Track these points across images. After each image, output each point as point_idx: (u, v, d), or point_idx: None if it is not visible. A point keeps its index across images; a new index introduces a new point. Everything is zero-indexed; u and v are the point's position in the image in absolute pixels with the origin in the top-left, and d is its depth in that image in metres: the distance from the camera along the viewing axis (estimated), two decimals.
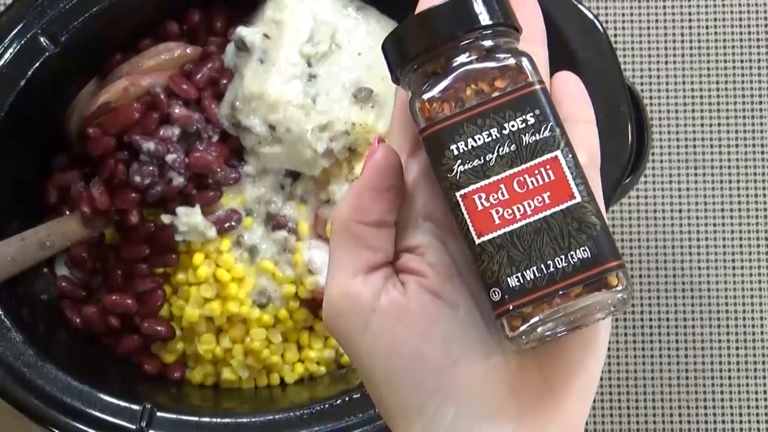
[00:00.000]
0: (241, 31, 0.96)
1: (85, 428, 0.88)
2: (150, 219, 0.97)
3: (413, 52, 0.58)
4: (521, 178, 0.56)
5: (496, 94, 0.56)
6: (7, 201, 0.96)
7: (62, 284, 0.98)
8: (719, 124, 1.09)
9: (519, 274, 0.55)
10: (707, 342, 1.07)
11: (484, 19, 0.57)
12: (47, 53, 0.93)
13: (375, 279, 0.59)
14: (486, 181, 0.56)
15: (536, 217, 0.55)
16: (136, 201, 0.95)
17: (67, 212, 0.98)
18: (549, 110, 0.57)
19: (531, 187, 0.56)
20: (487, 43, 0.58)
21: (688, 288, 1.08)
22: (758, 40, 1.10)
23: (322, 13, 0.97)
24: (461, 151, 0.56)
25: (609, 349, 1.06)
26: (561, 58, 0.90)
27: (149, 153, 0.94)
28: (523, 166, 0.56)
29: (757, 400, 1.07)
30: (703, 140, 1.09)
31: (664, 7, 1.11)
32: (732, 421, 1.07)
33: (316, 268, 0.96)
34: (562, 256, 0.55)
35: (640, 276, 1.08)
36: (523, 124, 0.56)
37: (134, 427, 0.88)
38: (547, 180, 0.56)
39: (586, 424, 1.06)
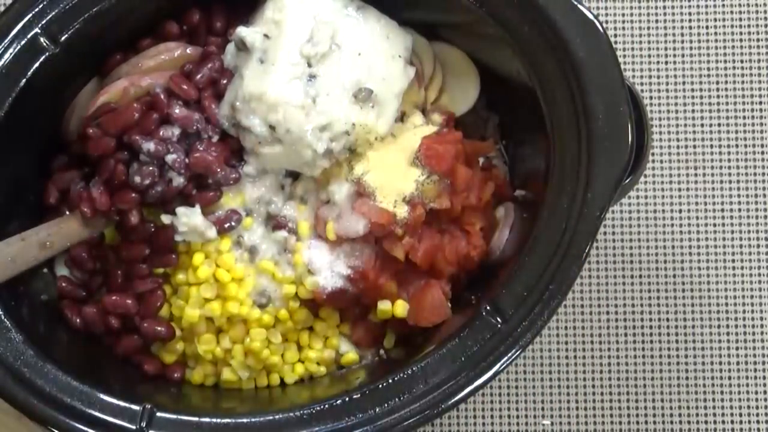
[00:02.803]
0: (241, 31, 0.96)
1: (85, 428, 0.88)
2: (150, 219, 0.97)
3: None
4: None
5: None
6: (7, 201, 0.96)
7: (62, 284, 0.99)
8: (719, 124, 1.10)
9: None
10: (707, 342, 1.07)
11: None
12: (47, 53, 0.93)
13: None
14: None
15: None
16: (136, 201, 0.95)
17: (67, 212, 0.98)
18: None
19: None
20: None
21: (688, 288, 1.08)
22: (758, 40, 1.10)
23: (323, 13, 0.97)
24: None
25: (609, 349, 1.06)
26: (561, 58, 0.91)
27: (149, 153, 0.94)
28: None
29: (757, 400, 1.07)
30: (703, 140, 1.10)
31: (664, 7, 1.11)
32: (732, 422, 1.07)
33: (315, 268, 0.96)
34: None
35: (640, 276, 1.08)
36: None
37: (134, 427, 0.88)
38: None
39: (586, 424, 1.06)
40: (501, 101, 1.04)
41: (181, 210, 0.96)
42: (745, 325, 1.07)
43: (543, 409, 1.07)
